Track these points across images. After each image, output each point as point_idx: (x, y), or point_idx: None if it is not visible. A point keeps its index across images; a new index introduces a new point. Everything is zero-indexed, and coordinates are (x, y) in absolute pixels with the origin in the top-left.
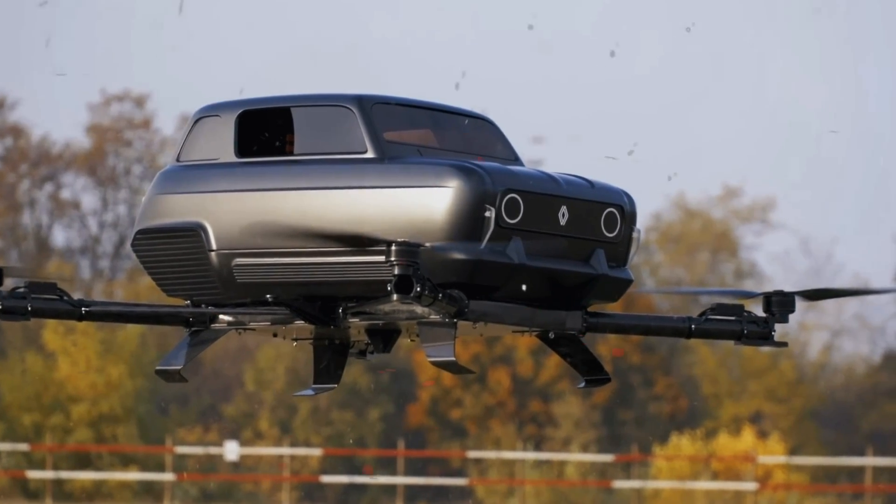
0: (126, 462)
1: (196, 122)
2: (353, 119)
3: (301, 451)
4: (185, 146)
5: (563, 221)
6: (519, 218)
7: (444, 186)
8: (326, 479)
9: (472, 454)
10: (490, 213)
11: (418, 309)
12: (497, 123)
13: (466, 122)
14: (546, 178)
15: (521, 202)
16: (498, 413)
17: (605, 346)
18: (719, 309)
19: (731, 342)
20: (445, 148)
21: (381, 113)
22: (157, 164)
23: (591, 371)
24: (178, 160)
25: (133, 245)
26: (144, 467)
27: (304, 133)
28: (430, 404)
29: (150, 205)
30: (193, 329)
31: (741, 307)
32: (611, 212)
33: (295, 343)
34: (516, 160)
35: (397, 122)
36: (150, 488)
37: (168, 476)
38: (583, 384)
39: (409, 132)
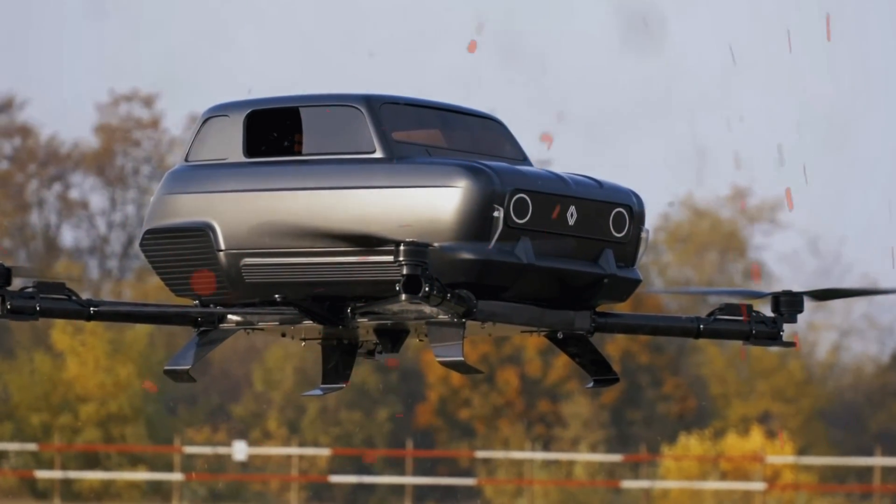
0: (134, 462)
1: (204, 122)
2: (362, 119)
3: (309, 450)
4: (193, 146)
5: (571, 221)
6: (527, 218)
7: (452, 186)
8: (335, 478)
9: (481, 454)
10: (498, 213)
11: (427, 309)
12: (505, 123)
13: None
14: (554, 178)
15: (529, 202)
16: (506, 413)
17: (614, 346)
18: (728, 309)
19: (740, 342)
20: (454, 148)
21: (389, 113)
22: (165, 164)
23: (599, 371)
24: (186, 160)
25: (141, 245)
26: (153, 467)
27: (312, 133)
28: (439, 404)
29: (159, 205)
30: (202, 329)
31: (750, 307)
32: (619, 212)
33: (303, 343)
34: (525, 160)
35: (406, 121)
36: (158, 488)
37: (176, 476)
38: (591, 384)
39: (417, 132)
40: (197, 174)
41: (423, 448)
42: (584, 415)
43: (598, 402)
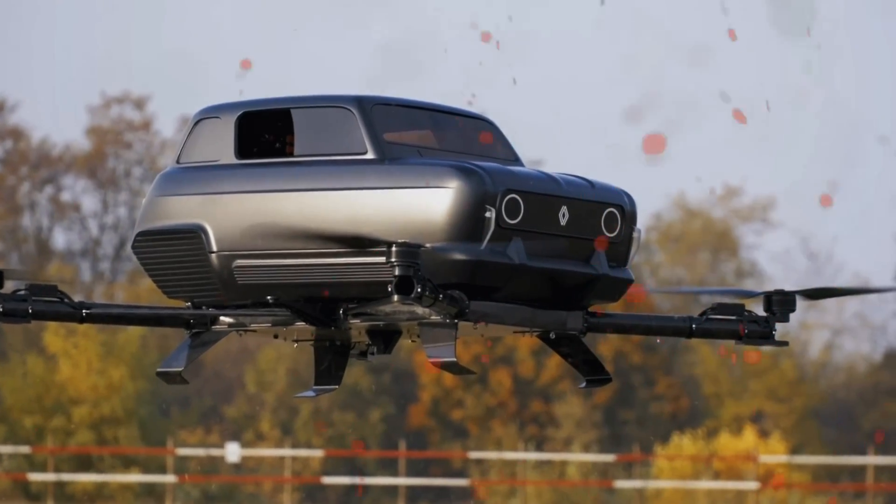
0: (127, 464)
1: (196, 123)
2: (353, 120)
3: (302, 452)
4: (185, 148)
5: (563, 222)
6: (519, 218)
7: (444, 187)
8: (328, 480)
9: (474, 455)
10: (490, 214)
11: (419, 310)
12: (496, 123)
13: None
14: (546, 179)
15: (521, 202)
16: (499, 413)
17: (607, 346)
18: (720, 308)
19: (732, 342)
20: (445, 149)
21: (381, 114)
22: (157, 167)
23: (592, 371)
24: (178, 162)
25: (133, 247)
26: (146, 469)
27: (304, 134)
28: (432, 405)
29: (151, 207)
30: (194, 331)
31: (742, 307)
32: (611, 212)
33: (296, 344)
34: (516, 160)
35: (397, 122)
36: (151, 490)
37: (169, 478)
38: (584, 384)
39: (409, 133)
40: (189, 176)
41: (415, 449)
42: (577, 415)
43: (590, 402)
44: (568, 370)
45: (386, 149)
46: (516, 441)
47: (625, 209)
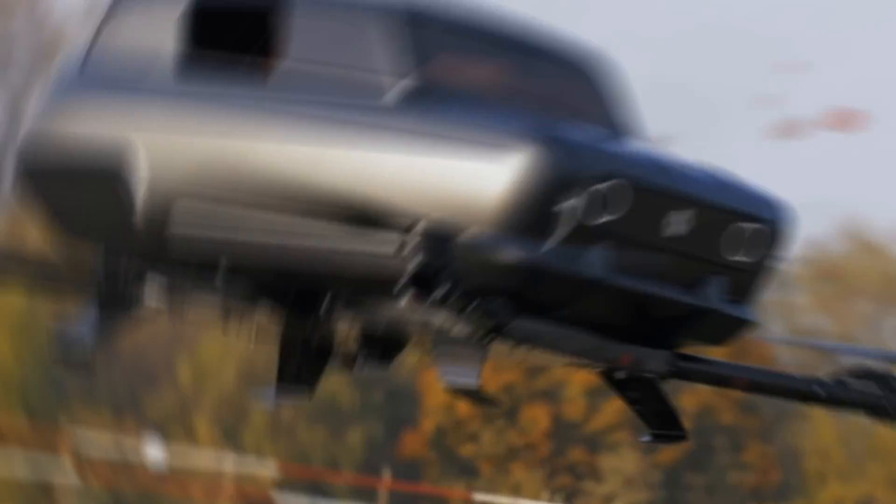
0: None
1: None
2: (378, 35)
3: (249, 464)
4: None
5: (675, 230)
6: (615, 216)
7: (507, 153)
8: (281, 499)
9: (480, 497)
10: (572, 203)
11: (438, 317)
12: (615, 68)
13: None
14: (667, 166)
15: (622, 194)
16: (525, 456)
17: (692, 398)
18: (860, 373)
19: (864, 415)
20: (521, 98)
21: (424, 31)
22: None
23: (663, 424)
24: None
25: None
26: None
27: (297, 49)
28: (436, 434)
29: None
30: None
31: (890, 375)
32: (749, 227)
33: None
34: (631, 133)
35: (450, 47)
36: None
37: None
38: (648, 437)
39: (467, 67)
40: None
41: (404, 480)
42: (628, 471)
43: (651, 458)
44: (629, 419)
45: (423, 87)
46: (540, 489)
47: (773, 226)
